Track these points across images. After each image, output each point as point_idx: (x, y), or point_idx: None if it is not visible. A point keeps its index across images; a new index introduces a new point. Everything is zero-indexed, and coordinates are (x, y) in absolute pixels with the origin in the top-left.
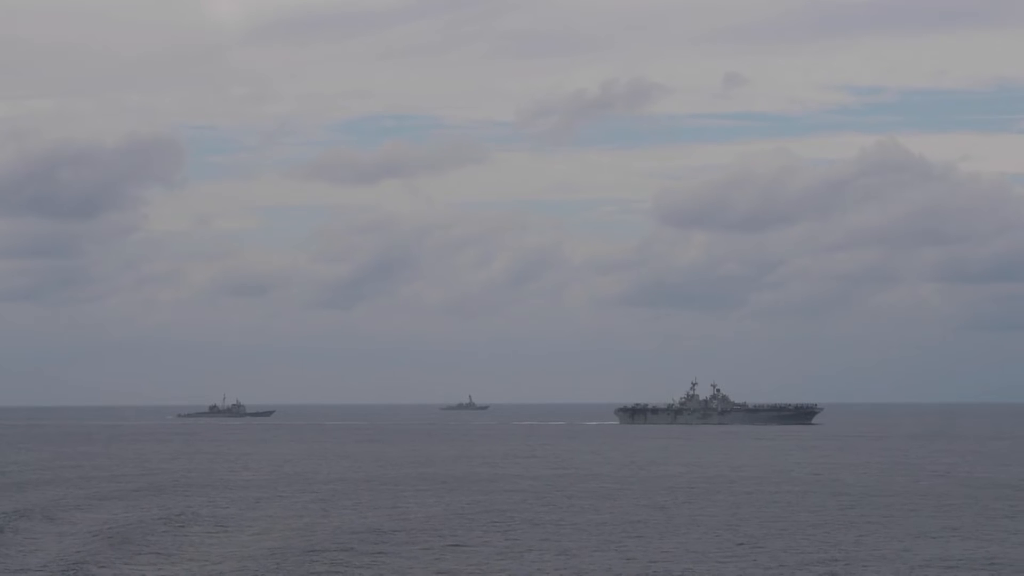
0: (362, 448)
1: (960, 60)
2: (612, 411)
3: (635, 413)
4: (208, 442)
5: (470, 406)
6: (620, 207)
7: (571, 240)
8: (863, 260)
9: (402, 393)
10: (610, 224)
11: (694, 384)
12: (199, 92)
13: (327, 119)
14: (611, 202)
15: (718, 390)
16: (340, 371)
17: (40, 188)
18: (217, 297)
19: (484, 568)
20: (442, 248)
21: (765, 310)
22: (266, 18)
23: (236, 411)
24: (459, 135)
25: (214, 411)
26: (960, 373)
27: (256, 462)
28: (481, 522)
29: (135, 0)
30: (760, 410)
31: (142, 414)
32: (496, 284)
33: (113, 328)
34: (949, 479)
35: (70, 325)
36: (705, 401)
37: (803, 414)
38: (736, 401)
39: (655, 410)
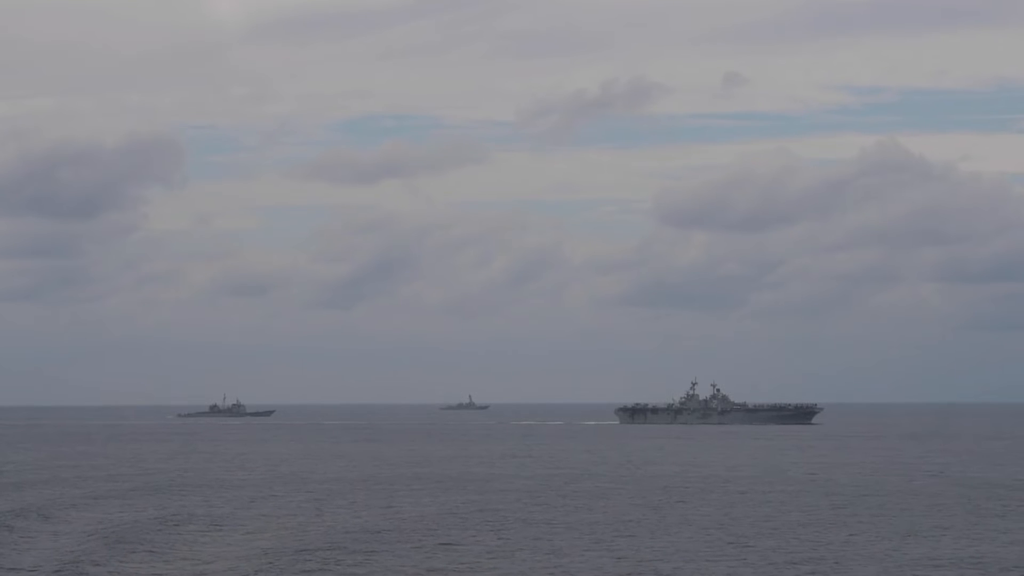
0: (359, 448)
1: (960, 60)
2: (612, 411)
3: (635, 413)
4: (206, 442)
5: (470, 406)
6: (620, 207)
7: (571, 240)
8: (863, 260)
9: (402, 393)
10: (610, 224)
11: (694, 384)
12: (199, 92)
13: (327, 119)
14: (611, 202)
15: (718, 390)
16: (340, 371)
17: (40, 188)
18: (217, 297)
19: (474, 567)
20: (442, 248)
21: (765, 310)
22: (266, 18)
23: (236, 411)
24: (459, 135)
25: (214, 411)
26: (960, 373)
27: (252, 462)
28: (474, 521)
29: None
30: (760, 410)
31: (142, 414)
32: (496, 284)
33: (113, 328)
34: (943, 479)
35: (70, 325)
36: (705, 401)
37: (803, 414)
38: (736, 401)
39: (655, 410)
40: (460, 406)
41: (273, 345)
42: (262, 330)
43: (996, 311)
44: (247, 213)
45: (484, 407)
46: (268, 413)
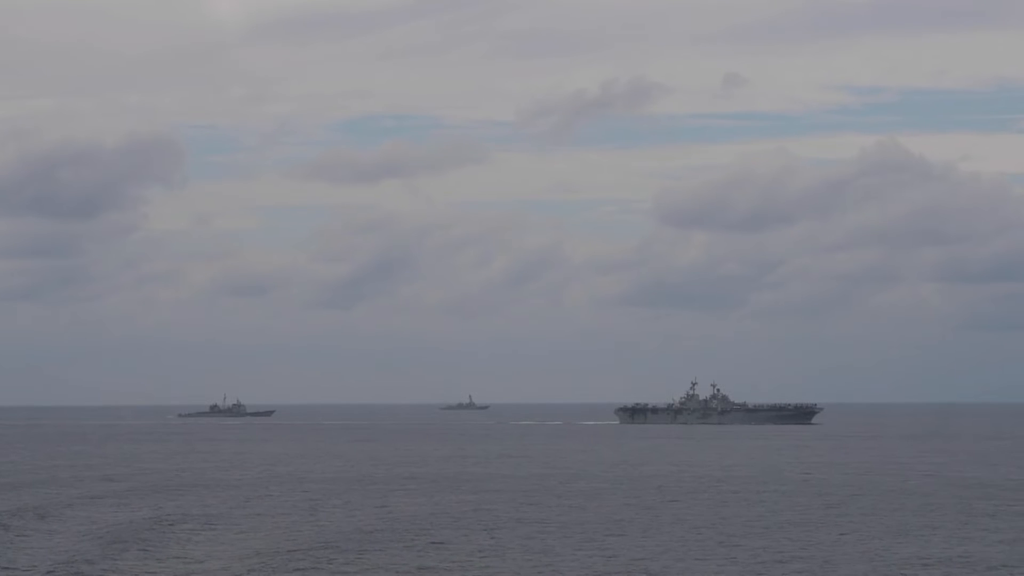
0: (356, 448)
1: (960, 60)
2: (612, 411)
3: (635, 413)
4: (204, 442)
5: (470, 406)
6: (620, 207)
7: (571, 240)
8: (863, 260)
9: (402, 393)
10: (610, 224)
11: (694, 384)
12: (199, 92)
13: (327, 119)
14: (611, 202)
15: (718, 390)
16: (340, 371)
17: (40, 188)
18: (217, 297)
19: (465, 565)
20: (442, 248)
21: (765, 310)
22: (266, 18)
23: (236, 411)
24: (459, 135)
25: (214, 411)
26: (960, 373)
27: (249, 462)
28: (467, 521)
29: (135, 0)
30: (760, 410)
31: (142, 414)
32: (496, 284)
33: (113, 328)
34: (937, 479)
35: (70, 325)
36: (705, 401)
37: (803, 414)
38: (736, 401)
39: (655, 410)
40: (460, 406)
41: (273, 345)
42: (262, 330)
43: (996, 311)
44: (247, 213)
45: (484, 407)
46: (268, 413)
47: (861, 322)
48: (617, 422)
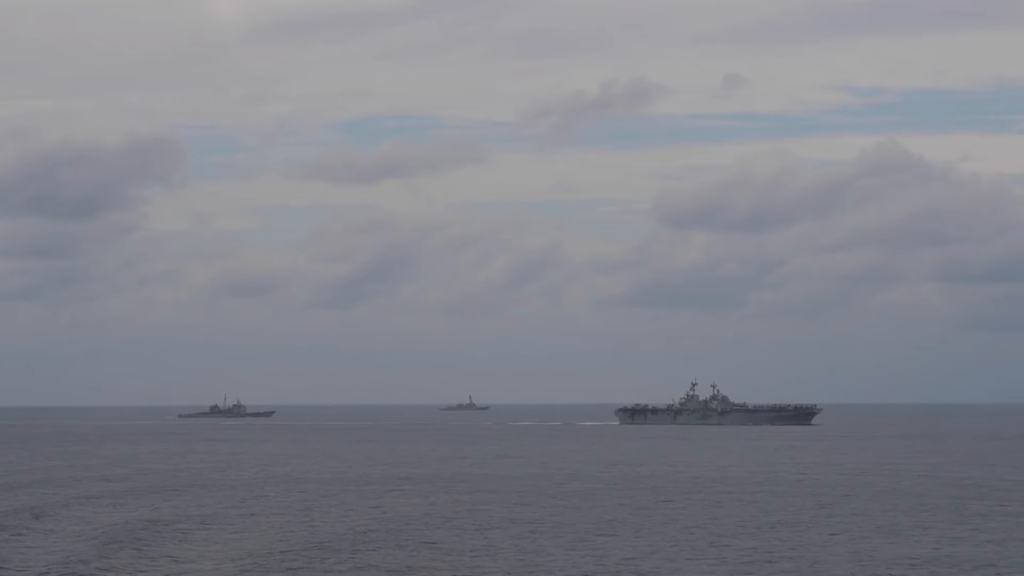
0: (354, 448)
1: (960, 60)
2: (612, 412)
3: (635, 413)
4: (202, 442)
5: (470, 406)
6: (620, 207)
7: (571, 240)
8: (863, 260)
9: (402, 393)
10: (610, 224)
11: (694, 384)
12: (199, 92)
13: (327, 119)
14: (611, 202)
15: (718, 390)
16: (340, 372)
17: (40, 188)
18: (217, 297)
19: (456, 565)
20: (442, 248)
21: (765, 310)
22: (266, 18)
23: (237, 411)
24: (459, 135)
25: (215, 411)
26: (960, 374)
27: (246, 462)
28: (461, 521)
29: (135, 0)
30: (759, 410)
31: (142, 414)
32: (496, 284)
33: (113, 328)
34: (931, 479)
35: (70, 325)
36: (705, 401)
37: (802, 415)
38: (736, 401)
39: (655, 410)
40: (460, 407)
41: (273, 345)
42: (262, 330)
43: (996, 312)
44: (247, 213)
45: (484, 408)
46: (269, 414)
47: (861, 323)
48: (617, 423)
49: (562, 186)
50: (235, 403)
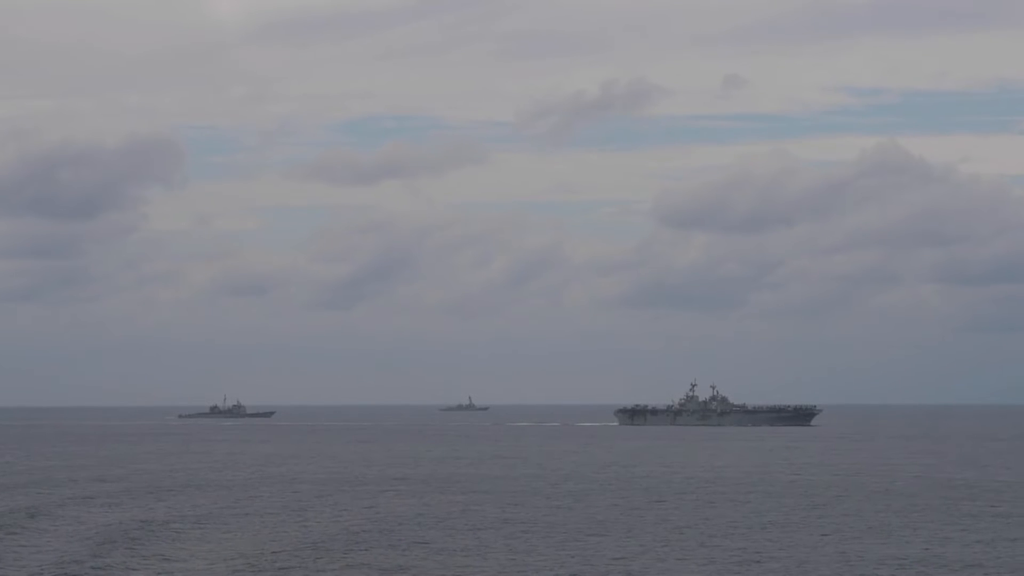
0: (351, 449)
1: (961, 61)
2: (612, 412)
3: (634, 414)
4: (200, 443)
5: (470, 407)
6: (620, 208)
7: (571, 241)
8: (863, 261)
9: (402, 394)
10: (610, 225)
11: (693, 385)
12: (199, 92)
13: (327, 119)
14: (611, 203)
15: (717, 391)
16: (340, 372)
17: (40, 188)
18: (217, 297)
19: (447, 564)
20: (442, 249)
21: (765, 311)
22: (266, 18)
23: (236, 412)
24: (459, 136)
25: (215, 412)
26: (959, 375)
27: (243, 462)
28: (454, 521)
29: (135, 0)
30: (759, 411)
31: (142, 415)
32: (496, 285)
33: (113, 328)
34: (924, 480)
35: (70, 325)
36: (704, 402)
37: (802, 415)
38: (735, 402)
39: (654, 411)
40: (460, 407)
41: (273, 346)
42: (262, 331)
43: (996, 313)
44: (247, 213)
45: (484, 408)
46: (268, 414)
47: (861, 323)
48: (616, 423)
49: (562, 187)
50: (235, 403)
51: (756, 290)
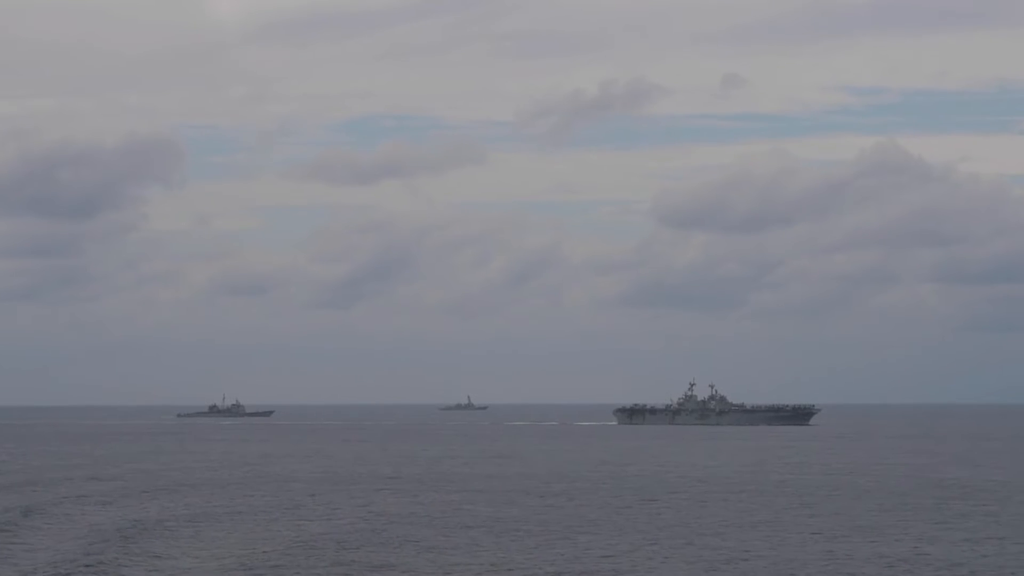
0: (347, 448)
1: (961, 60)
2: (611, 412)
3: (633, 414)
4: (197, 442)
5: (469, 406)
6: (619, 208)
7: (570, 240)
8: (862, 261)
9: (401, 393)
10: (609, 225)
11: (692, 385)
12: (199, 92)
13: (327, 119)
14: (610, 203)
15: (716, 391)
16: (339, 371)
17: (40, 188)
18: (216, 297)
19: (436, 562)
20: (441, 248)
21: (764, 311)
22: (266, 18)
23: (235, 411)
24: (459, 135)
25: (213, 411)
26: (958, 374)
27: (239, 461)
28: (446, 520)
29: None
30: (758, 411)
31: (141, 414)
32: (495, 284)
33: (112, 328)
34: (917, 479)
35: (69, 325)
36: (703, 402)
37: (801, 415)
38: (734, 402)
39: (653, 410)
40: (459, 407)
41: (272, 345)
42: (261, 330)
43: (995, 312)
44: (247, 213)
45: (483, 408)
46: (267, 413)
47: (860, 323)
48: (615, 423)
49: (561, 186)
50: (234, 403)
51: (755, 290)
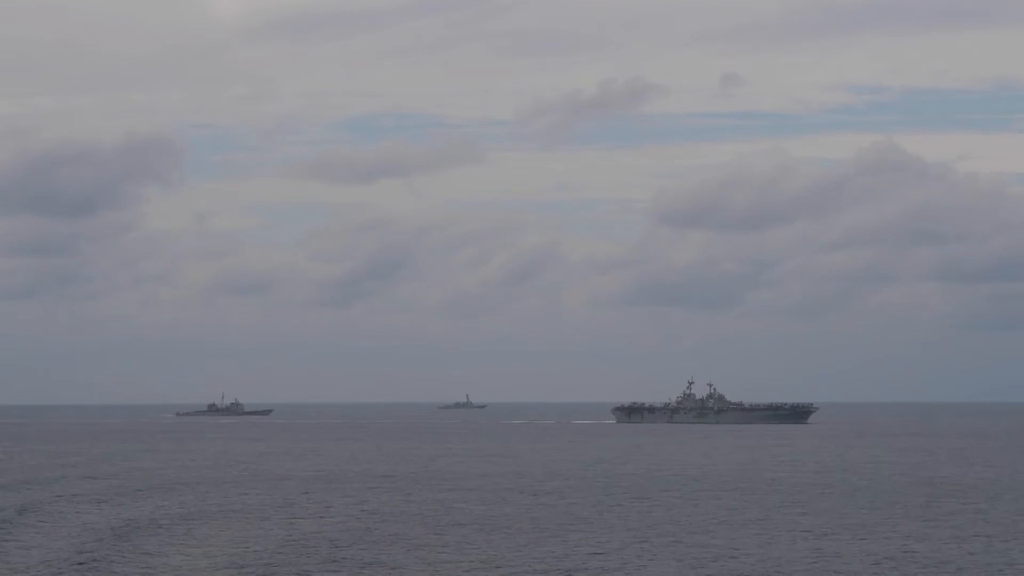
0: (343, 447)
1: (961, 59)
2: (609, 410)
3: (632, 412)
4: (195, 440)
5: (467, 405)
6: (618, 206)
7: (569, 239)
8: (860, 259)
9: (400, 392)
10: (608, 223)
11: (691, 383)
12: (199, 91)
13: (327, 118)
14: (609, 201)
15: (714, 389)
16: (338, 370)
17: (39, 187)
18: (215, 296)
19: (426, 559)
20: (440, 247)
21: (763, 309)
22: (266, 17)
23: (234, 410)
24: (457, 134)
25: (212, 410)
26: (957, 373)
27: (234, 460)
28: (437, 518)
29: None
30: (756, 409)
31: (140, 413)
32: (494, 283)
33: (111, 327)
34: (910, 477)
35: (68, 324)
36: (701, 400)
37: (799, 414)
38: (732, 400)
39: (652, 409)
40: (458, 405)
41: (271, 344)
42: (260, 329)
43: (993, 311)
44: (245, 212)
45: (482, 406)
46: (266, 412)
47: (859, 322)
48: (614, 421)
49: (560, 185)
50: (233, 401)
51: (754, 288)
